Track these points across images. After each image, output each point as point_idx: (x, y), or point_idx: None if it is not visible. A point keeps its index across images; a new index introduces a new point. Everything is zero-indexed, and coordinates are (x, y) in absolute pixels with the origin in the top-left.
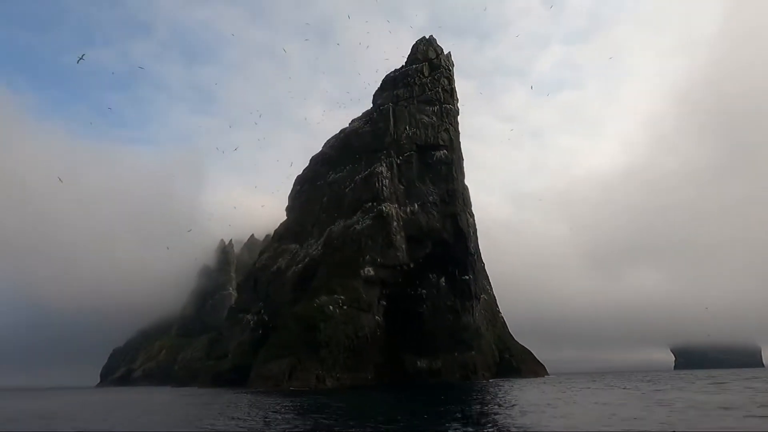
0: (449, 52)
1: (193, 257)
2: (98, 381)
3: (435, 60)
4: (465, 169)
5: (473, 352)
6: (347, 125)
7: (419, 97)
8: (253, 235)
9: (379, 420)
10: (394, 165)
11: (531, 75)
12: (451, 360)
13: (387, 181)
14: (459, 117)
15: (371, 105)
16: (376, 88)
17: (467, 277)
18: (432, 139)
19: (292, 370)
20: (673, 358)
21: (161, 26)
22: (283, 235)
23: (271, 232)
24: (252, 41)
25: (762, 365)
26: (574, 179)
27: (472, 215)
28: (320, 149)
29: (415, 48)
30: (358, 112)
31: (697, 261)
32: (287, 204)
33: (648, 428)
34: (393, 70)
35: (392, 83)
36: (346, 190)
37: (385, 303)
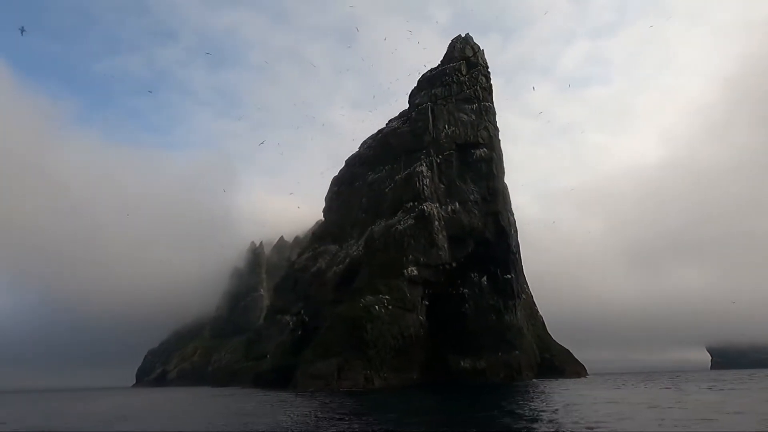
0: (482, 50)
1: (224, 259)
2: (134, 382)
3: (472, 58)
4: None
5: (517, 352)
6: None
7: (457, 96)
8: (282, 236)
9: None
10: (434, 164)
11: (557, 70)
12: (495, 360)
13: (428, 180)
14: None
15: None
16: (413, 88)
17: (509, 276)
18: (471, 137)
19: (340, 370)
20: (710, 358)
21: (186, 32)
22: (322, 236)
23: (300, 234)
24: (275, 45)
25: None
26: (607, 175)
27: (512, 213)
28: (356, 150)
29: (452, 46)
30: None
31: (741, 256)
32: (324, 206)
33: None
34: (429, 69)
35: (429, 82)
36: (386, 190)
37: (427, 303)
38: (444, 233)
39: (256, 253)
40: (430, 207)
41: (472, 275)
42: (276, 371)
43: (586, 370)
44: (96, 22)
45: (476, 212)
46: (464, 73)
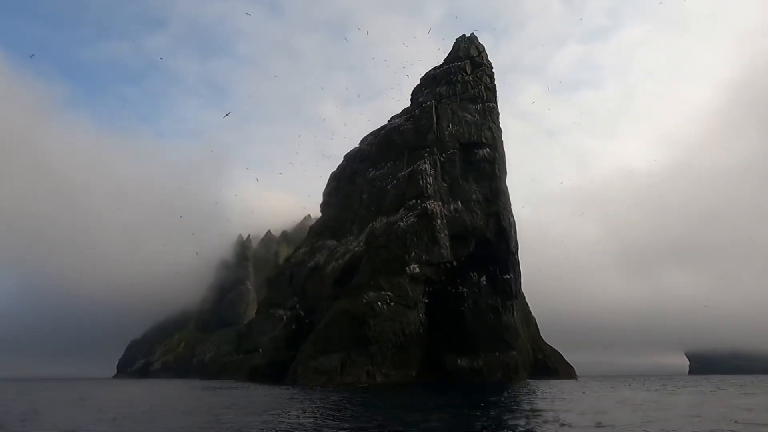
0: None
1: (212, 251)
2: (114, 373)
3: (477, 58)
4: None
5: (514, 352)
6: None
7: (462, 95)
8: (270, 230)
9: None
10: (438, 162)
11: (547, 73)
12: (492, 359)
13: (431, 178)
14: None
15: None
16: (416, 85)
17: (508, 277)
18: (475, 137)
19: (342, 365)
20: (688, 363)
21: (177, 21)
22: (319, 231)
23: (288, 228)
24: (267, 36)
25: None
26: (598, 178)
27: (512, 214)
28: (356, 146)
29: (457, 45)
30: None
31: (731, 263)
32: (322, 200)
33: None
34: (433, 67)
35: (433, 81)
36: (388, 187)
37: (426, 301)
38: (446, 232)
39: (244, 246)
40: (433, 205)
41: (472, 274)
42: (271, 366)
43: (575, 372)
44: (86, 8)
45: (478, 212)
46: (469, 72)
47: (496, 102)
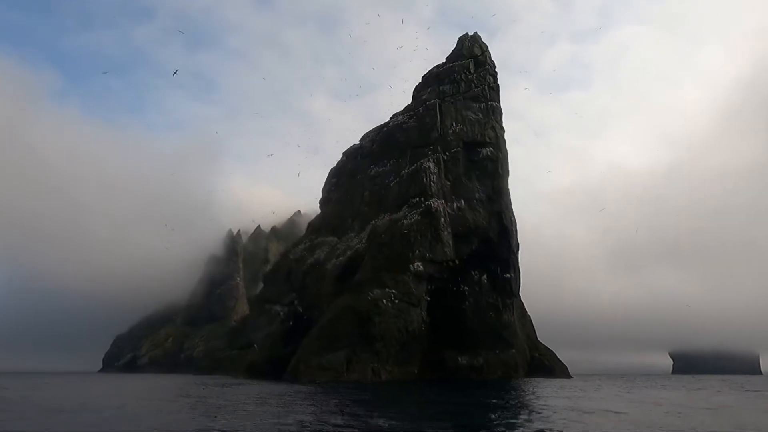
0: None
1: (201, 245)
2: (100, 367)
3: (480, 57)
4: None
5: (514, 351)
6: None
7: (465, 94)
8: (259, 226)
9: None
10: (441, 161)
11: (537, 72)
12: (492, 357)
13: (434, 176)
14: None
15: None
16: (417, 83)
17: (509, 276)
18: (479, 136)
19: (348, 362)
20: (671, 363)
21: (163, 11)
22: (319, 227)
23: (278, 224)
24: (255, 29)
25: (760, 372)
26: (589, 178)
27: (513, 214)
28: (357, 142)
29: (460, 44)
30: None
31: (714, 265)
32: (321, 197)
33: None
34: (436, 65)
35: (436, 79)
36: (391, 185)
37: (428, 298)
38: (449, 230)
39: (234, 241)
40: (437, 203)
41: (473, 273)
42: (268, 362)
43: (569, 371)
44: None
45: (481, 210)
46: (472, 71)
47: (499, 101)
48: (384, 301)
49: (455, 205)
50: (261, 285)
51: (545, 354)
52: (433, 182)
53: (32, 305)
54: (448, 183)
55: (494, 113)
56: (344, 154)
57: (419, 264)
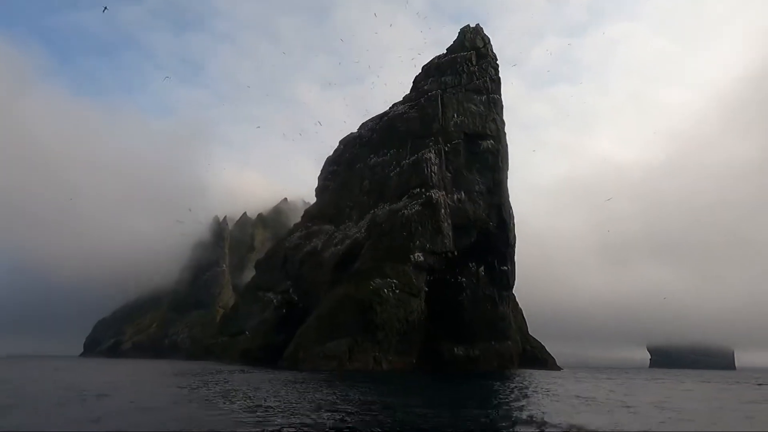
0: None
1: (188, 231)
2: (81, 351)
3: (482, 49)
4: None
5: (509, 342)
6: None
7: (467, 86)
8: (245, 213)
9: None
10: (442, 152)
11: (527, 66)
12: (488, 349)
13: (435, 167)
14: None
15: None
16: (418, 73)
17: (506, 268)
18: (480, 128)
19: (350, 351)
20: (649, 357)
21: None
22: (315, 215)
23: (264, 210)
24: (244, 13)
25: (734, 368)
26: (578, 173)
27: (511, 207)
28: (356, 131)
29: (462, 35)
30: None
31: (701, 262)
32: (317, 185)
33: None
34: (437, 56)
35: (438, 70)
36: (391, 174)
37: (427, 289)
38: (449, 221)
39: (221, 227)
40: (438, 194)
41: (471, 264)
42: (263, 349)
43: (556, 363)
44: None
45: (481, 203)
46: (474, 63)
47: (500, 94)
48: (385, 290)
49: (455, 196)
50: (249, 272)
51: (536, 346)
52: (434, 173)
53: (11, 285)
54: (449, 174)
55: (495, 106)
56: (341, 142)
57: (420, 254)
